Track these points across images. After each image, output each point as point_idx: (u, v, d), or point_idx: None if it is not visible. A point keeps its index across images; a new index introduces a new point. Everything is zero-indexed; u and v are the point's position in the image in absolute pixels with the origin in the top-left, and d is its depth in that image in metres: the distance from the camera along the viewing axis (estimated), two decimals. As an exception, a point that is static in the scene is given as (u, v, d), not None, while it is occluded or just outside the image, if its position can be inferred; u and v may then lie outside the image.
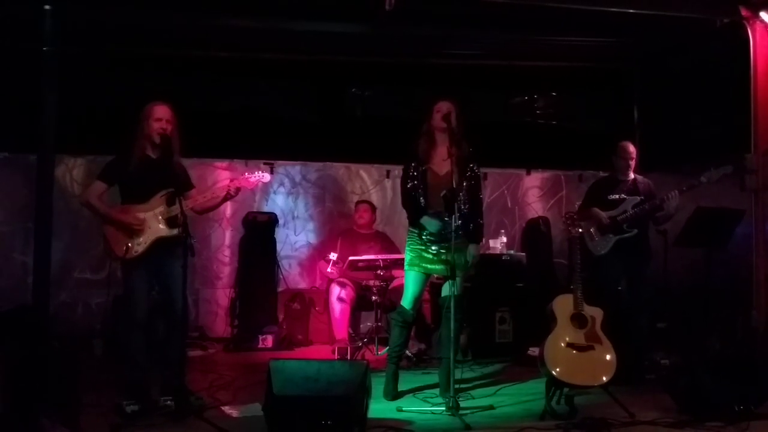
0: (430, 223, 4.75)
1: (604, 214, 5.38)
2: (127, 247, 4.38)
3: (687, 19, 6.08)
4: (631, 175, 5.56)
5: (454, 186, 4.59)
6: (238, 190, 4.58)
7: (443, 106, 4.81)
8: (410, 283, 4.92)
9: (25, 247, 6.79)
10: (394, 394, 4.90)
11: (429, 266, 4.84)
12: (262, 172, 4.74)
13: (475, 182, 4.86)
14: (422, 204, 4.80)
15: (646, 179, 5.62)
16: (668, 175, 5.67)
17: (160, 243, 4.42)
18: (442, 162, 4.83)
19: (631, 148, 5.55)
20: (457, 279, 4.66)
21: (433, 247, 4.80)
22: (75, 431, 3.75)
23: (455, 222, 4.56)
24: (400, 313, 4.95)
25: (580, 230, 4.72)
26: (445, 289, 4.86)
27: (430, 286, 5.62)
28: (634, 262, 5.41)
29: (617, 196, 5.47)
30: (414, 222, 4.87)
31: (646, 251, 5.52)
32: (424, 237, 4.82)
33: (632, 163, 5.54)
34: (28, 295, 5.35)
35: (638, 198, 5.43)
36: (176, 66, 7.37)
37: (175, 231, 4.38)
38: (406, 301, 4.93)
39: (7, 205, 7.00)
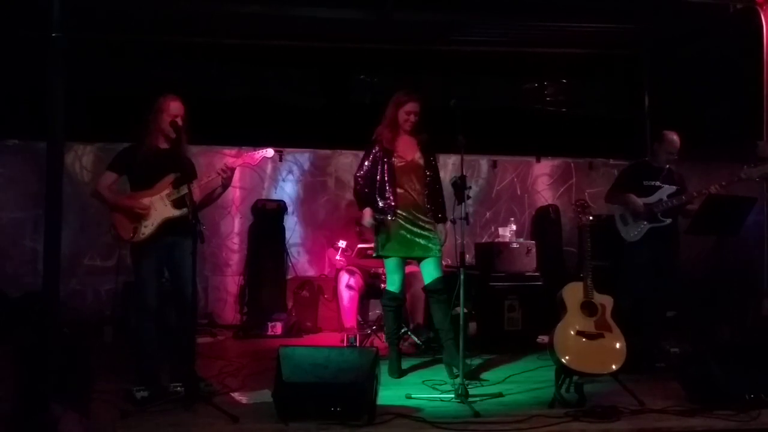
0: (365, 217, 5.01)
1: (640, 201, 5.32)
2: (135, 229, 4.40)
3: (699, 5, 6.04)
4: (667, 164, 5.51)
5: (427, 173, 5.00)
6: (231, 170, 4.55)
7: (412, 107, 5.00)
8: (393, 269, 5.10)
9: (35, 234, 6.84)
10: (400, 372, 5.11)
11: (407, 251, 5.02)
12: (265, 148, 4.74)
13: (436, 165, 5.16)
14: (369, 193, 5.04)
15: (677, 169, 5.55)
16: (678, 162, 5.62)
17: (167, 225, 4.43)
18: (407, 149, 5.05)
19: (678, 142, 5.42)
20: (437, 260, 4.98)
21: (408, 231, 4.96)
22: (85, 417, 3.76)
23: (464, 210, 4.58)
24: (391, 299, 5.13)
25: (591, 217, 4.69)
26: (429, 274, 5.02)
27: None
28: (664, 252, 5.37)
29: (653, 183, 5.40)
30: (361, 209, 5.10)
31: (677, 241, 5.47)
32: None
33: (674, 157, 5.45)
34: (39, 282, 5.36)
35: (674, 187, 5.38)
36: (184, 53, 7.38)
37: (181, 212, 4.39)
38: (394, 286, 5.11)
39: (17, 192, 7.04)
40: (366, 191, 5.07)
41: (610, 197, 5.61)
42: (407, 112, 4.99)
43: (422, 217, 4.99)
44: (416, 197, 5.00)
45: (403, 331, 5.84)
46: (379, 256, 5.16)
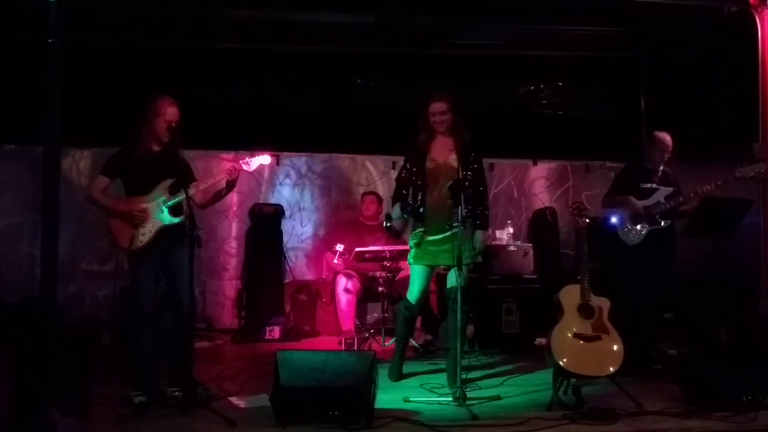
0: (395, 210, 4.87)
1: (639, 204, 5.33)
2: (132, 237, 4.39)
3: (695, 8, 6.04)
4: (661, 166, 5.51)
5: (459, 176, 4.66)
6: (236, 175, 4.55)
7: (437, 108, 4.88)
8: (416, 277, 5.00)
9: (33, 239, 6.83)
10: (398, 376, 5.10)
11: (434, 258, 4.90)
12: (261, 155, 4.75)
13: (477, 168, 4.91)
14: (406, 194, 4.93)
15: (672, 171, 5.55)
16: (675, 164, 5.64)
17: (164, 232, 4.43)
18: (441, 150, 4.91)
19: (669, 140, 5.44)
20: (463, 269, 4.64)
21: (437, 237, 4.83)
22: (83, 421, 3.77)
23: (462, 212, 4.56)
24: (406, 307, 5.08)
25: (587, 220, 4.70)
26: (451, 280, 4.89)
27: (436, 276, 5.62)
28: (662, 254, 5.37)
29: (650, 186, 5.41)
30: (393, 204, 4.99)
31: (674, 243, 5.48)
32: (420, 231, 4.88)
33: (667, 156, 5.46)
34: (36, 287, 5.37)
35: (671, 189, 5.39)
36: (182, 57, 7.38)
37: (178, 219, 4.40)
38: (412, 296, 5.03)
39: (15, 197, 7.02)
40: (403, 192, 4.98)
41: (607, 203, 5.60)
42: (432, 113, 4.88)
43: (451, 224, 4.68)
44: (446, 201, 4.71)
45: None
46: (410, 263, 5.06)
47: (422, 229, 4.87)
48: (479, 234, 4.82)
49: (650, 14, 6.27)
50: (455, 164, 4.75)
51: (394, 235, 5.28)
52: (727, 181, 5.21)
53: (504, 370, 5.47)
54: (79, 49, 5.87)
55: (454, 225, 4.59)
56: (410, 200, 4.89)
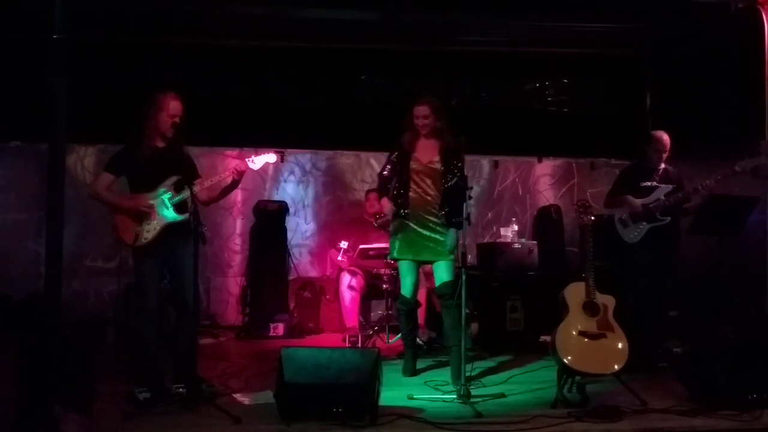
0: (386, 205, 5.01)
1: (637, 202, 5.33)
2: (137, 234, 4.39)
3: (701, 4, 6.02)
4: (662, 164, 5.51)
5: (460, 175, 4.85)
6: (242, 173, 4.55)
7: (420, 111, 5.01)
8: (405, 272, 5.10)
9: (38, 236, 6.86)
10: (412, 371, 5.17)
11: (416, 254, 5.01)
12: (267, 153, 4.76)
13: (459, 173, 4.96)
14: (389, 189, 5.06)
15: (675, 168, 5.55)
16: (680, 162, 5.62)
17: (169, 229, 4.43)
18: (425, 152, 5.03)
19: (666, 139, 5.43)
20: (448, 263, 4.91)
21: (422, 232, 4.95)
22: (88, 418, 3.77)
23: (466, 210, 4.59)
24: (403, 302, 5.14)
25: (592, 217, 4.69)
26: (439, 277, 4.99)
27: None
28: (664, 251, 5.36)
29: (650, 184, 5.40)
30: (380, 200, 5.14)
31: (677, 240, 5.46)
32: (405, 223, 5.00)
33: (665, 155, 5.45)
34: (41, 284, 5.36)
35: (671, 186, 5.38)
36: (186, 54, 7.39)
37: (183, 216, 4.40)
38: (406, 290, 5.10)
39: (20, 194, 7.05)
40: (387, 187, 5.11)
41: (608, 203, 5.62)
42: (416, 116, 5.01)
43: (433, 219, 4.96)
44: (428, 200, 4.98)
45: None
46: (393, 259, 5.20)
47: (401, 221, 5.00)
48: (452, 233, 4.94)
49: (656, 11, 6.25)
50: (438, 167, 4.97)
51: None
52: (727, 175, 5.17)
53: (508, 367, 5.46)
54: (82, 47, 5.87)
55: (454, 221, 4.84)
56: (394, 193, 5.03)
